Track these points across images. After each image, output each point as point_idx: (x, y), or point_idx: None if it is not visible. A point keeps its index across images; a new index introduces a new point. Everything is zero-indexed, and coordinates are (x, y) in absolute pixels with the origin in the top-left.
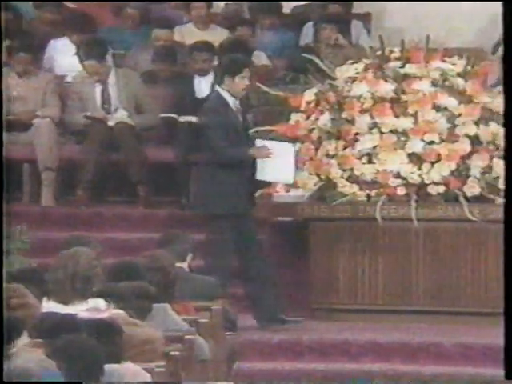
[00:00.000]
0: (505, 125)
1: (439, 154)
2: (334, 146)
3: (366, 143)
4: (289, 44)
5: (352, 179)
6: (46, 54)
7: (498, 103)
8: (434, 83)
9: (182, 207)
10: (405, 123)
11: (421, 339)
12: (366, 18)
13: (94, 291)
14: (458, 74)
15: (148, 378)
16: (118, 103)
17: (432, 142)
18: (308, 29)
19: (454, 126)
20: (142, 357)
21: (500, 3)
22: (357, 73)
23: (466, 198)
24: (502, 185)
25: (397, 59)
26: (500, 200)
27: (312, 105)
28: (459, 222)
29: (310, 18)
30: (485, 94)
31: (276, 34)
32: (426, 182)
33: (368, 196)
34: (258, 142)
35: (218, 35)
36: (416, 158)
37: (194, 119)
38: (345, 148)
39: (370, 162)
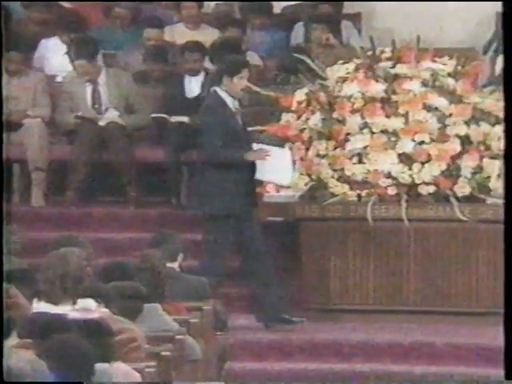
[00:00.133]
0: (505, 125)
1: (430, 154)
2: (325, 146)
3: (356, 143)
4: (279, 44)
5: (343, 179)
6: (37, 54)
7: (488, 103)
8: (424, 83)
9: (173, 207)
10: (395, 123)
11: (412, 339)
12: (356, 18)
13: (84, 291)
14: (449, 74)
15: (138, 378)
16: (108, 103)
17: (422, 142)
18: (299, 29)
19: (445, 126)
20: (126, 355)
21: (490, 3)
22: (347, 73)
23: (456, 198)
24: (492, 185)
25: (387, 59)
26: (491, 200)
27: (303, 105)
28: (450, 222)
29: (301, 17)
30: (475, 94)
31: (266, 34)
32: (417, 182)
33: (359, 196)
34: (256, 145)
35: (208, 35)
36: (406, 158)
37: (184, 119)
38: (335, 148)
39: (360, 162)
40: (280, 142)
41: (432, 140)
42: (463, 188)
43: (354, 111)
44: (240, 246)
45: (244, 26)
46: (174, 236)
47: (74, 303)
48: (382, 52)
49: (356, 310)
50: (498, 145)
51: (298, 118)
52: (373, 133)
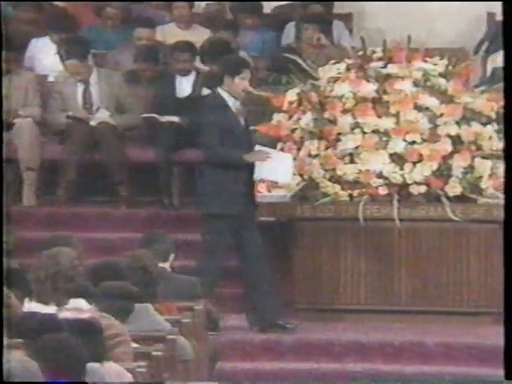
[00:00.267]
0: (505, 125)
1: (421, 154)
2: (317, 146)
3: (348, 143)
4: (270, 44)
5: (334, 179)
6: (28, 54)
7: (479, 103)
8: (415, 83)
9: (164, 207)
10: (387, 123)
11: (403, 339)
12: (347, 18)
13: (75, 291)
14: (440, 74)
15: (130, 377)
16: (99, 103)
17: (414, 142)
18: (290, 29)
19: (436, 126)
20: (112, 351)
21: (481, 3)
22: (339, 73)
23: (447, 197)
24: (483, 184)
25: (379, 59)
26: (482, 200)
27: (294, 105)
28: (441, 221)
29: (292, 18)
30: (466, 94)
31: (257, 34)
32: (408, 181)
33: (350, 196)
34: (258, 147)
35: (200, 35)
36: (398, 158)
37: (175, 119)
38: (327, 148)
39: (352, 161)
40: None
41: (423, 140)
42: (454, 188)
43: (345, 111)
44: (238, 246)
45: (237, 26)
46: (165, 236)
47: (66, 303)
48: (373, 52)
49: (347, 309)
50: (490, 145)
51: (290, 117)
52: (364, 133)
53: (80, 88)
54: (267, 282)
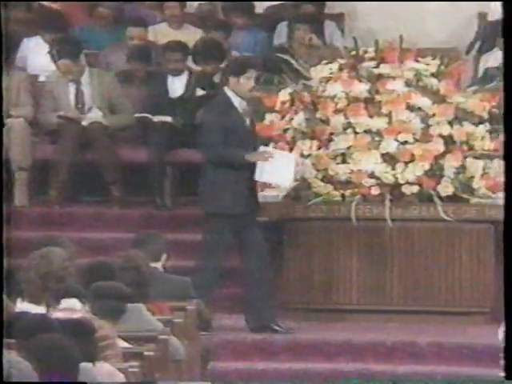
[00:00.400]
0: (505, 125)
1: (413, 154)
2: (309, 145)
3: (340, 143)
4: (262, 44)
5: (326, 179)
6: (19, 53)
7: (471, 103)
8: (407, 83)
9: (157, 207)
10: (379, 123)
11: (395, 339)
12: (338, 18)
13: (67, 291)
14: (432, 74)
15: (122, 378)
16: (91, 103)
17: (406, 142)
18: (282, 29)
19: (428, 126)
20: (101, 353)
21: (472, 3)
22: (331, 73)
23: (439, 197)
24: (475, 184)
25: (371, 59)
26: (474, 200)
27: (286, 105)
28: (433, 221)
29: (284, 18)
30: (458, 94)
31: (249, 34)
32: (400, 181)
33: (342, 196)
34: (262, 147)
35: (191, 35)
36: (390, 158)
37: (168, 119)
38: (319, 148)
39: (344, 161)
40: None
41: (415, 140)
42: (446, 188)
43: (337, 111)
44: (240, 246)
45: (229, 26)
46: (157, 236)
47: (57, 303)
48: (366, 52)
49: (340, 309)
50: (482, 145)
51: (282, 117)
52: (356, 133)
53: (72, 88)
54: (266, 284)
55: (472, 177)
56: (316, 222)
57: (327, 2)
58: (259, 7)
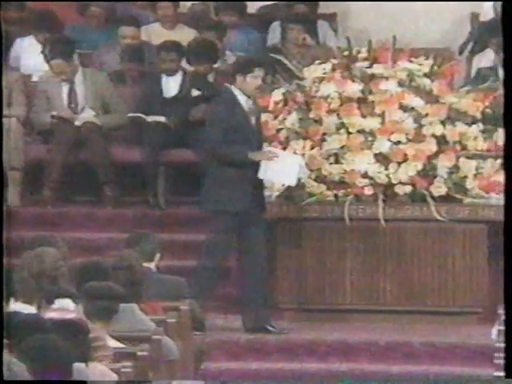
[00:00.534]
0: (505, 125)
1: (406, 154)
2: (302, 146)
3: (333, 143)
4: (255, 44)
5: (320, 179)
6: (12, 53)
7: (464, 103)
8: (400, 83)
9: (150, 207)
10: (372, 123)
11: (389, 339)
12: (332, 18)
13: (60, 291)
14: (425, 74)
15: (115, 378)
16: (84, 103)
17: (399, 142)
18: (275, 29)
19: (421, 126)
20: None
21: (465, 3)
22: (324, 73)
23: (432, 197)
24: (468, 184)
25: (364, 59)
26: (467, 200)
27: (280, 105)
28: (426, 221)
29: (277, 18)
30: (451, 94)
31: (242, 34)
32: (393, 181)
33: (336, 196)
34: (267, 147)
35: (185, 35)
36: (383, 158)
37: (162, 119)
38: (312, 148)
39: (337, 162)
40: None
41: (408, 140)
42: (439, 188)
43: (330, 111)
44: (241, 246)
45: (223, 26)
46: (151, 236)
47: (51, 303)
48: (359, 52)
49: (333, 309)
50: (474, 145)
51: (275, 117)
52: (349, 133)
53: (65, 88)
54: (264, 284)
55: (465, 177)
56: (309, 222)
57: (320, 2)
58: (252, 7)
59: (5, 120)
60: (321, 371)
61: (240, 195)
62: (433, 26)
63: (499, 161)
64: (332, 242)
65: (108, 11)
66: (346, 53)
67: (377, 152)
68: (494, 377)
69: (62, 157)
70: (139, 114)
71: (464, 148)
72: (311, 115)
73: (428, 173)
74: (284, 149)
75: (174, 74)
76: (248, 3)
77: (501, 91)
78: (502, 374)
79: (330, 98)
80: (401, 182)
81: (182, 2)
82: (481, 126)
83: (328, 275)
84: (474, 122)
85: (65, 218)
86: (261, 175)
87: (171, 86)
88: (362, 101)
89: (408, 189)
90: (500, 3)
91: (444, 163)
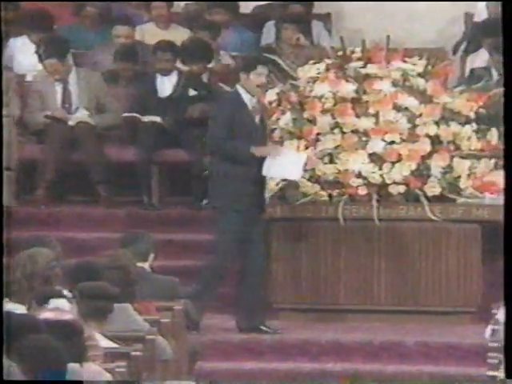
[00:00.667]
0: (505, 125)
1: (400, 154)
2: (296, 145)
3: (327, 143)
4: (250, 44)
5: (314, 179)
6: (7, 53)
7: (458, 103)
8: (394, 83)
9: (144, 207)
10: (366, 123)
11: (383, 338)
12: (326, 18)
13: (53, 292)
14: (419, 74)
15: (109, 378)
16: (78, 102)
17: (393, 142)
18: (269, 29)
19: (415, 126)
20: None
21: (460, 3)
22: (318, 73)
23: (426, 197)
24: (462, 184)
25: (358, 59)
26: (461, 199)
27: (274, 105)
28: (420, 221)
29: (271, 18)
30: (445, 94)
31: (236, 34)
32: (387, 181)
33: (330, 196)
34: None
35: (179, 35)
36: (377, 158)
37: (157, 119)
38: (306, 148)
39: (331, 161)
40: None
41: (402, 140)
42: (433, 188)
43: (324, 111)
44: (242, 244)
45: (217, 26)
46: (144, 236)
47: (44, 303)
48: (353, 52)
49: (326, 309)
50: (468, 144)
51: (269, 117)
52: (343, 133)
53: (59, 87)
54: (260, 284)
55: (459, 177)
56: (303, 222)
57: (315, 2)
58: (247, 7)
59: None
60: (315, 371)
61: (244, 192)
62: (427, 26)
63: (493, 160)
64: (326, 242)
65: (103, 11)
66: (340, 53)
67: (371, 152)
68: (487, 376)
69: (55, 157)
70: (134, 114)
71: (458, 148)
72: (305, 115)
73: (422, 173)
74: None
75: (169, 73)
76: (243, 3)
77: (495, 91)
78: (495, 373)
79: (324, 98)
80: (395, 182)
81: (175, 2)
82: (474, 125)
83: (322, 275)
84: (467, 121)
85: (58, 217)
86: (265, 172)
87: (166, 85)
88: (356, 101)
89: (402, 189)
90: (492, 3)
91: (438, 163)
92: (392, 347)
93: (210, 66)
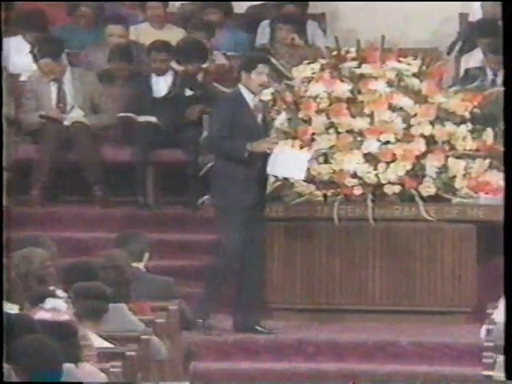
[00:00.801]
0: (505, 125)
1: (395, 154)
2: (291, 145)
3: (322, 143)
4: (244, 44)
5: (309, 179)
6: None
7: (453, 103)
8: (389, 83)
9: (139, 207)
10: (361, 123)
11: (378, 338)
12: (321, 18)
13: (48, 292)
14: (414, 74)
15: (104, 378)
16: (73, 102)
17: (388, 142)
18: (264, 29)
19: (410, 125)
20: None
21: (455, 3)
22: (313, 73)
23: (421, 197)
24: (457, 184)
25: (352, 59)
26: (456, 199)
27: (269, 105)
28: (415, 221)
29: (266, 17)
30: (440, 94)
31: (231, 34)
32: (382, 181)
33: (325, 196)
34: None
35: (173, 34)
36: (372, 158)
37: (152, 119)
38: (301, 148)
39: (326, 161)
40: None
41: (397, 140)
42: (428, 188)
43: (319, 111)
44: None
45: (212, 26)
46: (139, 236)
47: (37, 303)
48: (347, 52)
49: (321, 309)
50: (463, 144)
51: None
52: (338, 133)
53: (54, 87)
54: (257, 285)
55: (454, 177)
56: (298, 222)
57: (309, 2)
58: (241, 7)
59: None
60: (310, 371)
61: (247, 191)
62: (421, 26)
63: (488, 160)
64: (321, 242)
65: (97, 11)
66: (334, 53)
67: (366, 152)
68: (482, 376)
69: (50, 156)
70: (129, 114)
71: (453, 148)
72: (300, 115)
73: (417, 173)
74: None
75: (164, 73)
76: (237, 3)
77: (490, 90)
78: (491, 373)
79: (319, 98)
80: (390, 182)
81: (171, 2)
82: (469, 125)
83: (317, 275)
84: (462, 121)
85: (54, 217)
86: (269, 170)
87: (161, 85)
88: (350, 101)
89: (397, 189)
90: (489, 3)
91: (433, 163)
92: (387, 347)
93: (204, 66)
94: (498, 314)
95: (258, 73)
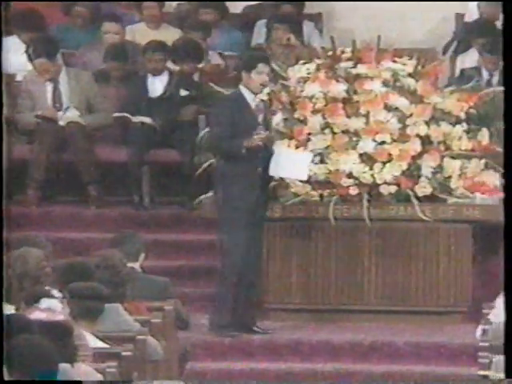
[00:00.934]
0: (505, 125)
1: (390, 154)
2: (287, 145)
3: (318, 143)
4: (240, 44)
5: (304, 179)
6: None
7: (449, 103)
8: (385, 83)
9: (135, 207)
10: (357, 123)
11: (373, 338)
12: (316, 18)
13: (43, 292)
14: (409, 74)
15: (100, 378)
16: (69, 102)
17: (383, 142)
18: (260, 29)
19: (405, 126)
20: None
21: (452, 3)
22: (309, 73)
23: (417, 197)
24: (453, 184)
25: (348, 59)
26: (451, 200)
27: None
28: (411, 221)
29: (262, 17)
30: (436, 94)
31: (227, 34)
32: (378, 181)
33: (321, 196)
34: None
35: (169, 34)
36: (368, 158)
37: (148, 119)
38: (297, 148)
39: (322, 162)
40: None
41: (393, 140)
42: (424, 188)
43: (315, 111)
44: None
45: (208, 26)
46: (135, 236)
47: (32, 303)
48: (343, 52)
49: (317, 309)
50: (459, 144)
51: None
52: (334, 133)
53: (49, 87)
54: (255, 285)
55: (449, 177)
56: (294, 222)
57: (306, 2)
58: (237, 7)
59: None
60: (305, 371)
61: (250, 192)
62: (417, 26)
63: (483, 160)
64: (317, 242)
65: (93, 11)
66: (330, 53)
67: (361, 152)
68: (478, 376)
69: (46, 156)
70: (125, 114)
71: (448, 148)
72: (296, 115)
73: (412, 173)
74: None
75: (160, 73)
76: (233, 3)
77: (486, 91)
78: (486, 372)
79: (314, 98)
80: (385, 182)
81: (167, 2)
82: (465, 125)
83: (313, 275)
84: (458, 121)
85: (49, 217)
86: (271, 172)
87: (157, 85)
88: (346, 101)
89: (393, 189)
90: (485, 4)
91: (428, 163)
92: (383, 347)
93: (200, 66)
94: (494, 314)
95: (259, 72)
